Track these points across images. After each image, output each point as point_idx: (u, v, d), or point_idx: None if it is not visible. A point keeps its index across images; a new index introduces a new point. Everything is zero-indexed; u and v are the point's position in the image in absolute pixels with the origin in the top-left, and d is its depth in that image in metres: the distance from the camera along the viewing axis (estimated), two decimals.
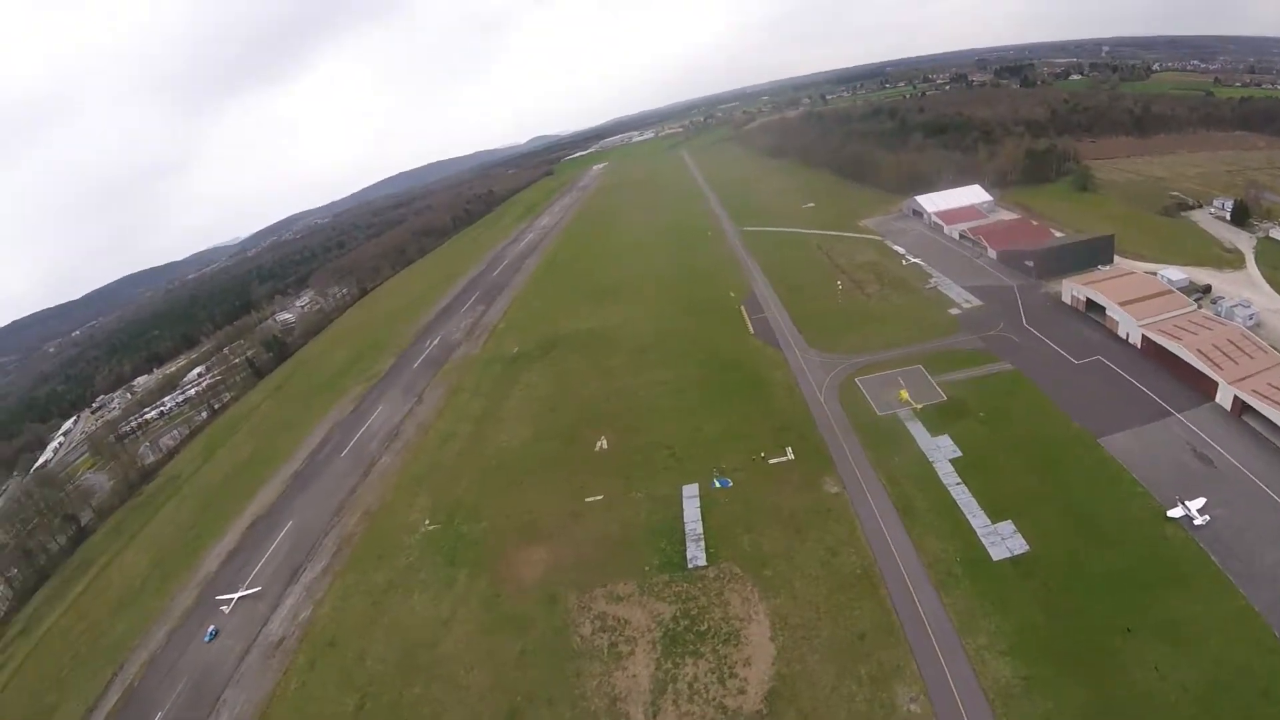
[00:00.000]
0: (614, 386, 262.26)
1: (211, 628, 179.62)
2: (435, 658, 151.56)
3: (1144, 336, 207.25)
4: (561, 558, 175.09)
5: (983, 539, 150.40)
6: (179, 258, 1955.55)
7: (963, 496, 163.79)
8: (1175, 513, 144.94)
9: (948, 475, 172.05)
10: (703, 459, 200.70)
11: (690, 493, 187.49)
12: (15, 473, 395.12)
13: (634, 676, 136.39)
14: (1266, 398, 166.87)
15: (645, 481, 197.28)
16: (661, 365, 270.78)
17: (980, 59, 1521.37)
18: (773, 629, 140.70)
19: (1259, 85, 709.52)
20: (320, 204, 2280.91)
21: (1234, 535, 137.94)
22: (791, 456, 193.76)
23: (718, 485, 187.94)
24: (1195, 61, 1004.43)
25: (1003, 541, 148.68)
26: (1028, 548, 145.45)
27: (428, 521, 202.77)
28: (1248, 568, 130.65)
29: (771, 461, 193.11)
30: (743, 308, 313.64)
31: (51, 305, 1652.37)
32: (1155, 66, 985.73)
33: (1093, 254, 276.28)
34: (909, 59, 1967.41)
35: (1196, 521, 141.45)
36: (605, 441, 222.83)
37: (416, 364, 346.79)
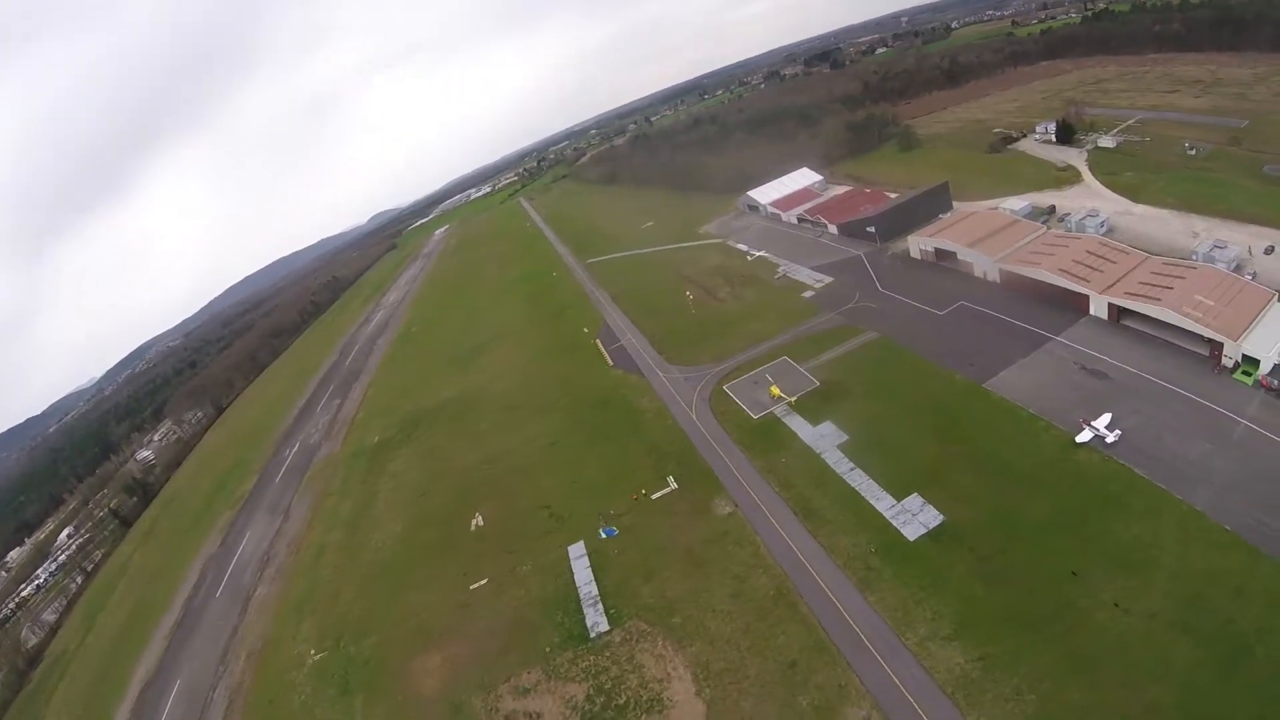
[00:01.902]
0: (484, 454, 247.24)
1: None
2: None
3: (1002, 270, 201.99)
4: (458, 658, 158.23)
5: (893, 521, 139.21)
6: (37, 411, 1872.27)
7: (861, 482, 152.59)
8: (1084, 437, 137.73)
9: (840, 463, 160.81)
10: (585, 511, 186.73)
11: (577, 552, 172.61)
12: None
13: None
14: (1141, 295, 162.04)
15: (529, 552, 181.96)
16: (530, 419, 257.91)
17: (790, 54, 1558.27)
18: (696, 682, 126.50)
19: (1054, 19, 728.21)
20: (172, 325, 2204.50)
21: (1152, 441, 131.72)
22: (675, 486, 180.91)
23: (604, 536, 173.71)
24: (990, 12, 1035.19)
25: (914, 518, 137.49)
26: (943, 518, 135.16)
27: (314, 651, 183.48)
28: (1177, 470, 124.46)
29: (654, 496, 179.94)
30: (598, 341, 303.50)
31: None
32: (954, 25, 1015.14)
33: (931, 205, 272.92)
34: (723, 68, 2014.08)
35: (1109, 439, 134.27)
36: (481, 518, 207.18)
37: (278, 477, 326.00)
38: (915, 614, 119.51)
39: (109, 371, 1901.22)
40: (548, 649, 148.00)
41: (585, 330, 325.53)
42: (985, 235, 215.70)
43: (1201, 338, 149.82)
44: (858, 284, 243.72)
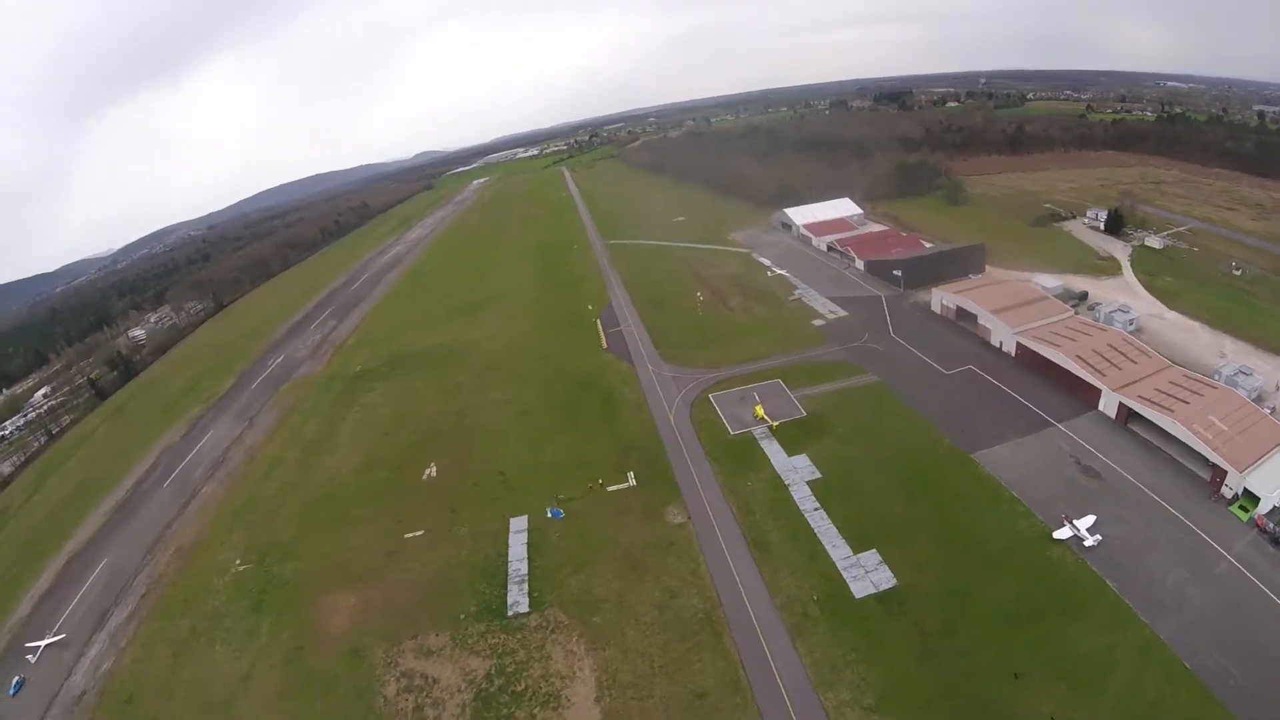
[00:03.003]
0: (455, 407, 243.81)
1: (17, 679, 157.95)
2: None
3: (1019, 344, 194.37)
4: (372, 604, 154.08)
5: (844, 573, 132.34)
6: (49, 269, 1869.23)
7: (821, 524, 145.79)
8: (1062, 533, 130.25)
9: (805, 500, 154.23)
10: (538, 487, 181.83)
11: (518, 526, 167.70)
12: None
13: None
14: (1154, 403, 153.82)
15: (472, 514, 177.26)
16: (508, 383, 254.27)
17: (862, 88, 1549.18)
18: (599, 688, 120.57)
19: (1129, 111, 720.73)
20: (198, 215, 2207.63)
21: (1130, 555, 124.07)
22: (633, 483, 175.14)
23: (550, 516, 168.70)
24: (1069, 91, 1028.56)
25: (866, 575, 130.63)
26: (896, 582, 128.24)
27: (239, 561, 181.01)
28: (1148, 591, 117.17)
29: (611, 489, 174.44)
30: (599, 322, 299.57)
31: None
32: (1030, 95, 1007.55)
33: (963, 263, 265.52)
34: (794, 86, 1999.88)
35: (1087, 542, 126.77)
36: (435, 469, 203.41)
37: (255, 384, 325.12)
38: (841, 675, 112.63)
39: (127, 247, 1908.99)
40: (462, 616, 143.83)
41: (589, 308, 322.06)
42: (1011, 305, 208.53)
43: (1206, 460, 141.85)
44: (870, 324, 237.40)
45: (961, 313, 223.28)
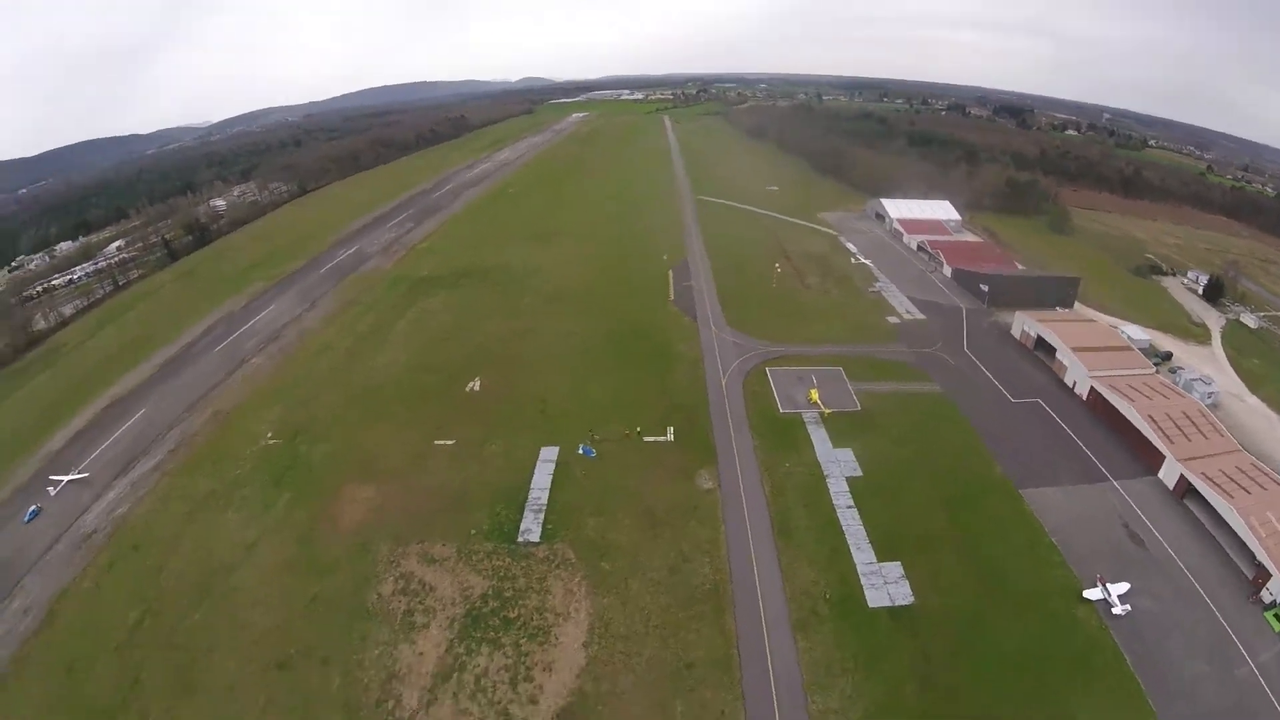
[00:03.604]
0: (511, 328, 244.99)
1: (34, 508, 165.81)
2: (228, 586, 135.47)
3: (1092, 388, 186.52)
4: (389, 502, 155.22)
5: (863, 578, 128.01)
6: (144, 132, 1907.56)
7: (851, 523, 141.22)
8: (1093, 594, 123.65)
9: (840, 495, 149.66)
10: (575, 422, 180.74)
11: (548, 456, 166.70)
12: None
13: (420, 654, 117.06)
14: (1216, 484, 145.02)
15: (505, 434, 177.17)
16: (568, 315, 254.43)
17: (982, 95, 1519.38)
18: (590, 634, 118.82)
19: (1250, 182, 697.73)
20: (298, 102, 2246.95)
21: (1154, 634, 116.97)
22: (671, 439, 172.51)
23: (580, 453, 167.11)
24: (1191, 147, 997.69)
25: (885, 586, 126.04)
26: (913, 600, 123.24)
27: (271, 435, 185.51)
28: (1163, 676, 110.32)
29: (647, 439, 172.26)
30: (671, 272, 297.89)
31: (3, 158, 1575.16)
32: (1152, 142, 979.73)
33: (1054, 292, 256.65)
34: (912, 81, 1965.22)
35: (1115, 610, 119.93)
36: (479, 383, 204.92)
37: (323, 270, 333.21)
38: (834, 681, 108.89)
39: (223, 122, 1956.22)
40: (473, 532, 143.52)
41: (665, 258, 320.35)
42: (1092, 347, 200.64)
43: (1253, 557, 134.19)
44: (945, 333, 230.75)
45: (1041, 343, 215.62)
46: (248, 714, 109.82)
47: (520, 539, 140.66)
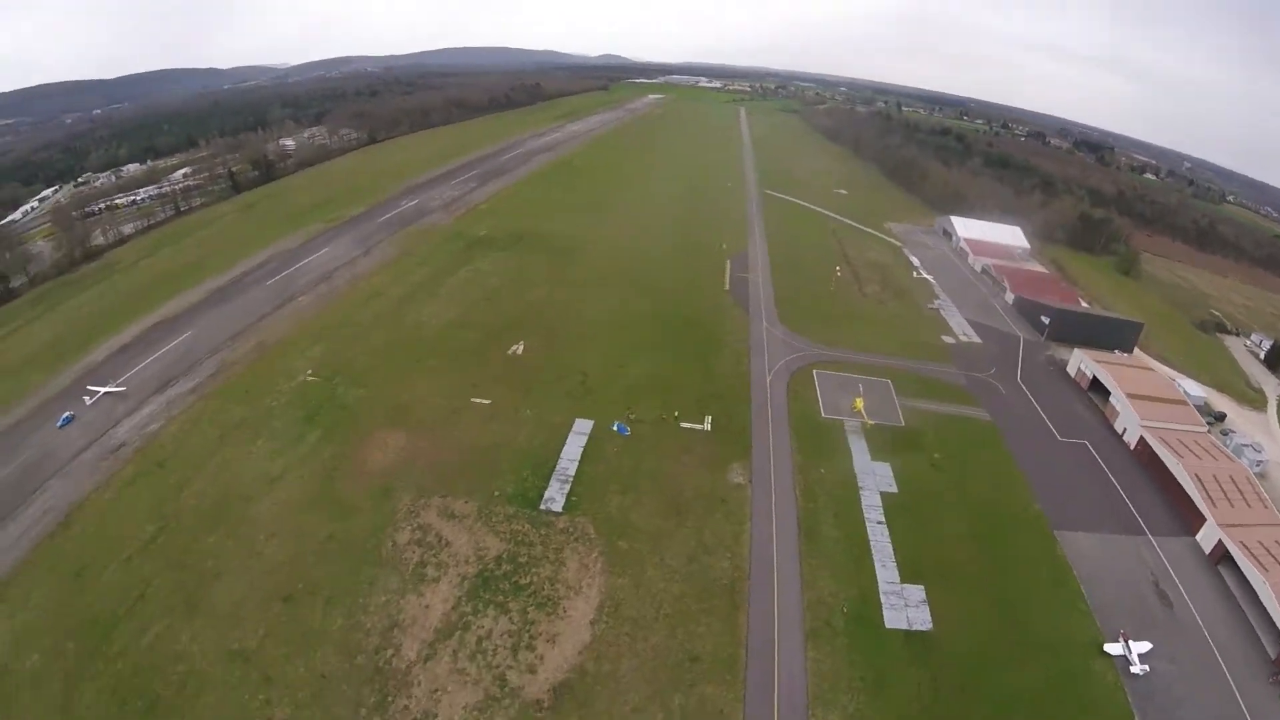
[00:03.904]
0: (560, 297, 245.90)
1: (67, 414, 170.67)
2: (245, 514, 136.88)
3: (1142, 438, 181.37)
4: (417, 452, 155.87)
5: (883, 596, 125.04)
6: (222, 67, 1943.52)
7: (879, 539, 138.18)
8: (1114, 649, 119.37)
9: (872, 509, 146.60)
10: (614, 398, 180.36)
11: (582, 428, 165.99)
12: None
13: (426, 608, 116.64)
14: (1253, 555, 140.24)
15: (542, 400, 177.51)
16: (620, 290, 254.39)
17: (1063, 127, 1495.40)
18: (599, 612, 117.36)
19: None
20: (378, 54, 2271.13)
21: (1168, 701, 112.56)
22: (708, 428, 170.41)
23: (614, 429, 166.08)
24: (1269, 208, 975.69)
25: (905, 608, 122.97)
26: (931, 627, 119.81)
27: (310, 372, 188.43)
28: None
29: (684, 425, 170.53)
30: (729, 262, 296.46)
31: (82, 79, 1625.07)
32: (1230, 198, 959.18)
33: (1114, 335, 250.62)
34: (994, 103, 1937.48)
35: (1134, 669, 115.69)
36: (522, 347, 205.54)
37: (382, 218, 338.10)
38: (839, 698, 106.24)
39: (302, 65, 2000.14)
40: (496, 493, 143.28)
41: (724, 246, 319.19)
42: (1147, 396, 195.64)
43: None
44: (1000, 360, 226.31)
45: (1095, 384, 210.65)
46: (247, 641, 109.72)
47: (543, 506, 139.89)
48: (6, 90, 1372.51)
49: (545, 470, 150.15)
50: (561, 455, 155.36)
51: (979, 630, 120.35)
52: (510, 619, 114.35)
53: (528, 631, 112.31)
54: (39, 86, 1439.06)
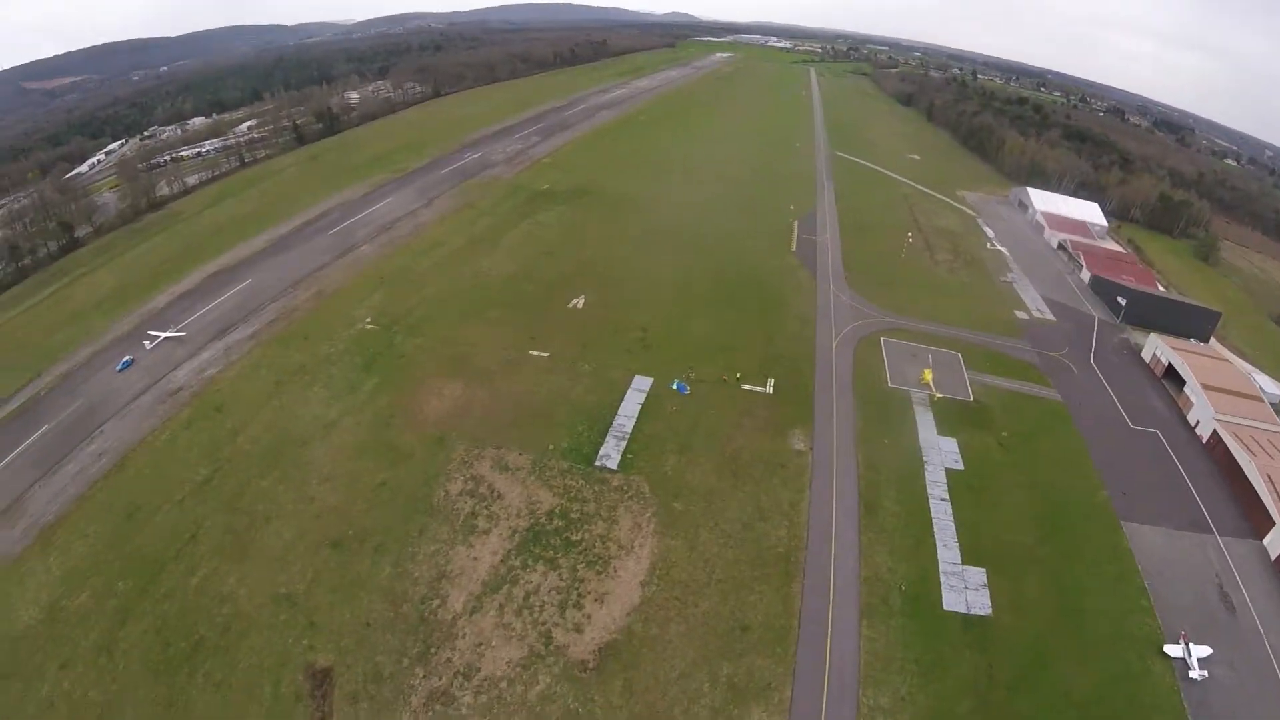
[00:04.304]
0: (621, 252, 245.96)
1: (127, 358, 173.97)
2: (299, 458, 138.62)
3: (1215, 432, 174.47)
4: (473, 402, 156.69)
5: (943, 577, 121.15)
6: (287, 23, 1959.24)
7: (942, 517, 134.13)
8: (1173, 650, 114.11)
9: (936, 485, 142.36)
10: (674, 356, 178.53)
11: (640, 385, 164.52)
12: (47, 178, 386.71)
13: (475, 559, 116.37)
14: None
15: (600, 355, 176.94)
16: (683, 248, 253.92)
17: (1142, 105, 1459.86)
18: (649, 574, 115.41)
19: None
20: (442, 9, 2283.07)
21: (1225, 711, 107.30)
22: (770, 390, 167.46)
23: (673, 387, 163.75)
24: None
25: (965, 591, 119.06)
26: (990, 612, 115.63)
27: (369, 320, 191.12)
28: None
29: (745, 387, 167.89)
30: (796, 224, 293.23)
31: (148, 36, 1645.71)
32: None
33: (1191, 323, 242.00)
34: (1072, 76, 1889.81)
35: (1192, 673, 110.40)
36: (582, 301, 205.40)
37: (445, 170, 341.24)
38: (890, 679, 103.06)
39: (366, 22, 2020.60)
40: (551, 447, 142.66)
41: (791, 207, 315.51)
42: (1223, 388, 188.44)
43: None
44: (1074, 340, 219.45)
45: (1170, 372, 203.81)
46: (295, 585, 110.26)
47: (597, 463, 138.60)
48: (75, 49, 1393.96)
49: (602, 426, 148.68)
50: (619, 412, 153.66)
51: (1038, 619, 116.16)
52: (559, 575, 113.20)
53: (576, 589, 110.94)
54: (105, 45, 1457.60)
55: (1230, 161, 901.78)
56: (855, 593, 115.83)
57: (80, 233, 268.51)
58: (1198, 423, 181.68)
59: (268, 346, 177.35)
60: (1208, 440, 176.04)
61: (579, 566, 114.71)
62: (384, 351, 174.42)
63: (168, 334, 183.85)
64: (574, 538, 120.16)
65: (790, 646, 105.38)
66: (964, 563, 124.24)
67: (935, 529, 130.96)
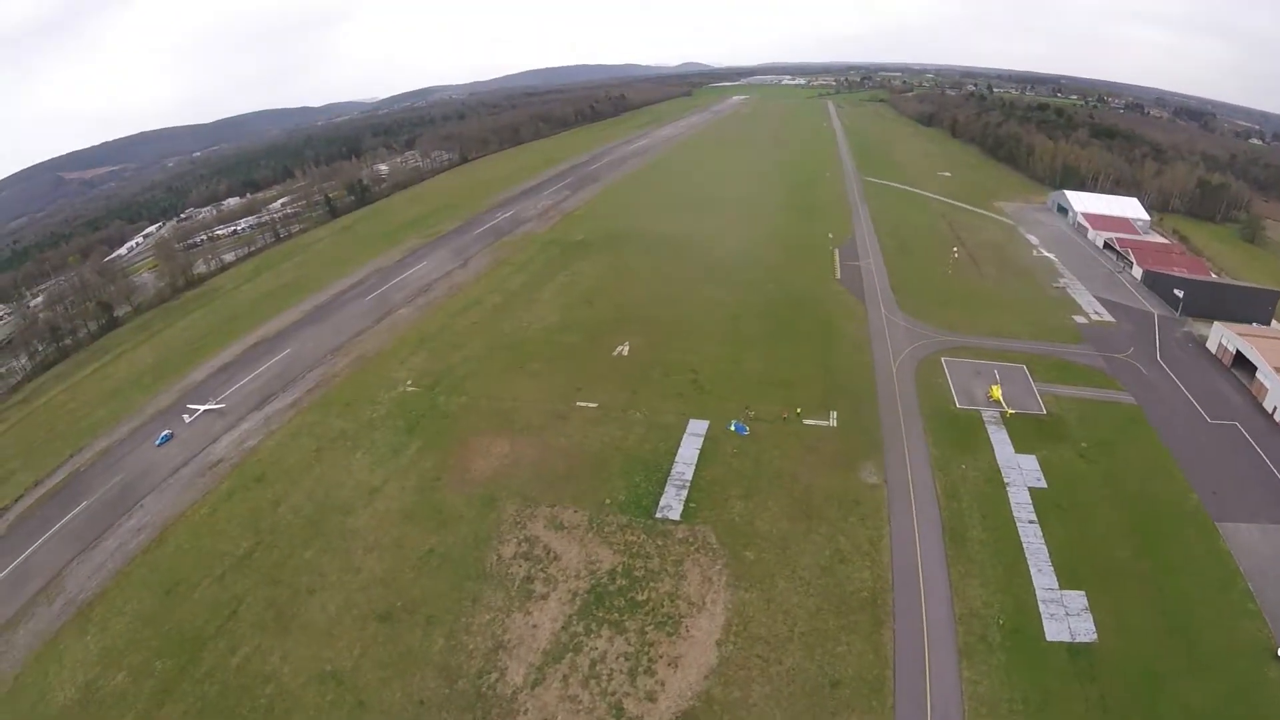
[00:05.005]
0: (664, 293, 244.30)
1: (166, 433, 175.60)
2: (344, 528, 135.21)
3: None
4: (522, 459, 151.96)
5: (1042, 606, 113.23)
6: (315, 105, 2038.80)
7: (1032, 541, 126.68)
8: None
9: (1021, 507, 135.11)
10: (729, 396, 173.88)
11: (697, 429, 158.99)
12: (87, 261, 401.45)
13: (534, 627, 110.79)
14: None
15: (651, 401, 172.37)
16: (726, 285, 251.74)
17: (1159, 96, 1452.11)
18: (725, 631, 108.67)
19: None
20: (462, 81, 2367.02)
21: None
22: (834, 424, 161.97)
23: (732, 429, 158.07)
24: None
25: (1067, 618, 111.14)
26: (1095, 638, 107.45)
27: (410, 383, 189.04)
28: None
29: (807, 422, 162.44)
30: (836, 251, 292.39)
31: (182, 124, 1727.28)
32: None
33: (1249, 306, 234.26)
34: (1086, 78, 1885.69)
35: None
36: (628, 347, 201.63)
37: (478, 230, 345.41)
38: None
39: (391, 98, 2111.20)
40: (607, 501, 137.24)
41: (830, 236, 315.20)
42: None
43: None
44: (1137, 339, 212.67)
45: (1239, 359, 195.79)
46: (341, 661, 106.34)
47: (658, 514, 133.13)
48: (111, 139, 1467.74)
49: (659, 475, 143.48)
50: (676, 459, 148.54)
51: (1146, 639, 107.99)
52: (627, 640, 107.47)
53: (646, 654, 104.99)
54: (140, 134, 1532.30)
55: (1256, 141, 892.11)
56: (951, 632, 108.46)
57: (120, 312, 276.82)
58: (1275, 410, 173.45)
59: (308, 414, 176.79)
60: None
61: (647, 628, 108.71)
62: (427, 412, 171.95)
63: (207, 406, 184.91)
64: (639, 597, 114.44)
65: (887, 699, 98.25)
66: (1061, 587, 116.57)
67: (1027, 554, 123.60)
